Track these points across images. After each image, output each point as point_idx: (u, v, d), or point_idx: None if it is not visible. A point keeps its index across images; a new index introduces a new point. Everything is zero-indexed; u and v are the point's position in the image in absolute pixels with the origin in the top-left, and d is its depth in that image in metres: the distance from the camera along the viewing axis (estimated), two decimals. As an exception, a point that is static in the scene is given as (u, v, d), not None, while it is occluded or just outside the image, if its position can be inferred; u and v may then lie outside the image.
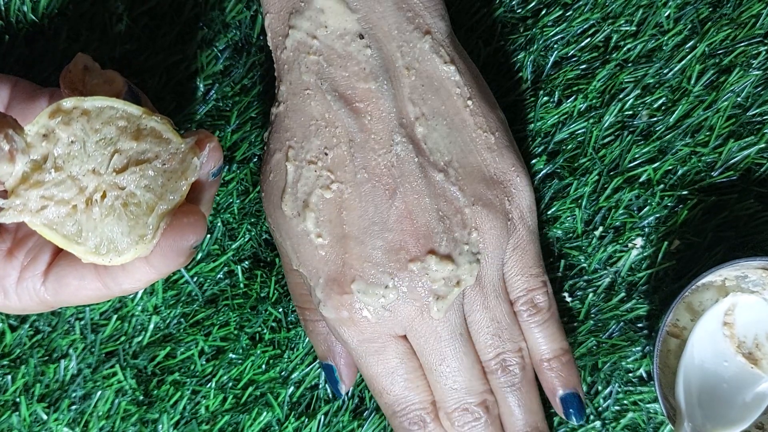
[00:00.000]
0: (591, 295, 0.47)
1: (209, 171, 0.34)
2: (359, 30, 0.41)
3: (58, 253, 0.36)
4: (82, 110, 0.31)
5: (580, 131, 0.47)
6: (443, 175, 0.41)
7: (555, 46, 0.47)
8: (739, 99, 0.47)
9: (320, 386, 0.47)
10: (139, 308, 0.46)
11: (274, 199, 0.42)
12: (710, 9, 0.47)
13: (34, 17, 0.44)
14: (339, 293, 0.41)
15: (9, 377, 0.46)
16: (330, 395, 0.47)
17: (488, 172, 0.42)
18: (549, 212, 0.47)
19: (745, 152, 0.47)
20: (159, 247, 0.32)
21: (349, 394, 0.47)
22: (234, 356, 0.47)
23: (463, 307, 0.42)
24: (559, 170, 0.47)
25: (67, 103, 0.31)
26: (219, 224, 0.47)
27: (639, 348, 0.47)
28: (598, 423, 0.48)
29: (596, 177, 0.47)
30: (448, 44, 0.42)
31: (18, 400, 0.46)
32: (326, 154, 0.41)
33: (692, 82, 0.47)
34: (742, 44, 0.47)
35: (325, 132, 0.41)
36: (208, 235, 0.47)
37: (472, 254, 0.41)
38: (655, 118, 0.47)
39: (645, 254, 0.47)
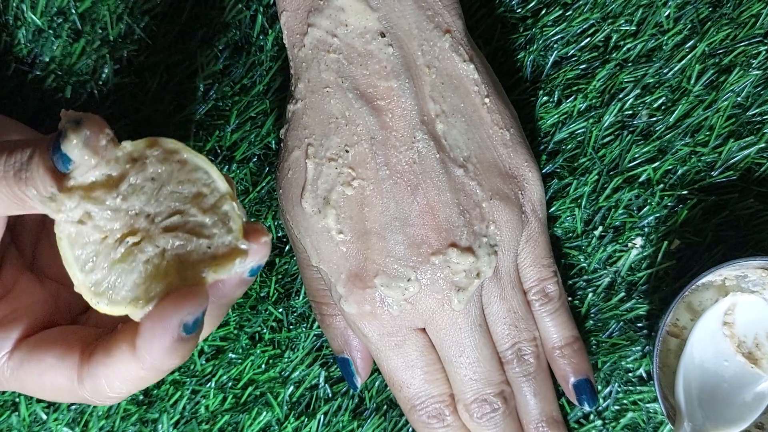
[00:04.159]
0: (591, 294, 0.48)
1: (250, 267, 0.31)
2: (380, 28, 0.41)
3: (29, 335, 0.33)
4: (180, 159, 0.30)
5: (579, 131, 0.47)
6: (463, 171, 0.42)
7: (555, 45, 0.47)
8: (739, 99, 0.47)
9: (320, 386, 0.47)
10: (139, 308, 0.46)
11: (293, 197, 0.42)
12: (710, 9, 0.47)
13: (33, 15, 0.44)
14: (361, 288, 0.41)
15: (8, 377, 0.46)
16: (330, 395, 0.47)
17: (504, 167, 0.43)
18: (549, 212, 0.47)
19: (745, 152, 0.47)
20: (146, 327, 0.29)
21: (351, 394, 0.48)
22: (234, 356, 0.47)
23: (481, 299, 0.43)
24: (558, 170, 0.47)
25: (172, 144, 0.30)
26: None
27: (639, 348, 0.47)
28: (598, 422, 0.48)
29: (596, 177, 0.47)
30: (466, 43, 0.42)
31: (17, 399, 0.46)
32: (347, 151, 0.41)
33: (692, 81, 0.47)
34: (742, 44, 0.47)
35: (345, 130, 0.41)
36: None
37: (490, 246, 0.42)
38: (654, 118, 0.47)
39: (645, 254, 0.47)
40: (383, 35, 0.41)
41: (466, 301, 0.41)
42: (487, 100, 0.42)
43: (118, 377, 0.31)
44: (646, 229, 0.47)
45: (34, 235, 0.38)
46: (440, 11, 0.42)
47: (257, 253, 0.31)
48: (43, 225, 0.38)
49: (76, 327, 0.34)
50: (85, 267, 0.30)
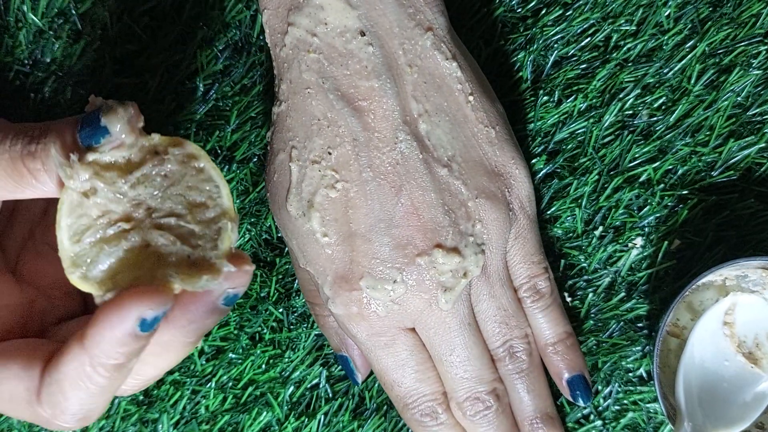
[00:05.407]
0: (591, 294, 0.47)
1: (225, 293, 0.31)
2: (360, 27, 0.40)
3: None
4: (197, 167, 0.31)
5: (580, 131, 0.47)
6: (447, 170, 0.41)
7: (555, 45, 0.47)
8: (739, 98, 0.47)
9: (320, 386, 0.47)
10: (139, 308, 0.46)
11: (278, 200, 0.42)
12: (710, 8, 0.47)
13: (33, 17, 0.44)
14: (347, 290, 0.41)
15: (9, 377, 0.46)
16: (330, 395, 0.47)
17: (489, 165, 0.43)
18: (549, 212, 0.47)
19: (746, 152, 0.47)
20: (102, 313, 0.28)
21: (355, 391, 0.48)
22: (234, 356, 0.47)
23: (470, 298, 0.42)
24: (559, 170, 0.47)
25: (195, 149, 0.31)
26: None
27: (639, 348, 0.47)
28: (598, 422, 0.48)
29: (596, 177, 0.47)
30: (449, 40, 0.42)
31: (18, 399, 0.46)
32: (330, 153, 0.41)
33: (692, 81, 0.47)
34: (743, 44, 0.47)
35: (328, 131, 0.41)
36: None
37: (477, 245, 0.42)
38: (655, 118, 0.47)
39: (645, 254, 0.47)
40: (363, 34, 0.40)
41: (454, 301, 0.41)
42: (471, 98, 0.42)
43: (69, 379, 0.30)
44: (646, 229, 0.47)
45: (21, 239, 0.38)
46: (422, 8, 0.41)
47: (234, 279, 0.31)
48: (31, 232, 0.38)
49: (45, 341, 0.33)
50: (73, 237, 0.30)
